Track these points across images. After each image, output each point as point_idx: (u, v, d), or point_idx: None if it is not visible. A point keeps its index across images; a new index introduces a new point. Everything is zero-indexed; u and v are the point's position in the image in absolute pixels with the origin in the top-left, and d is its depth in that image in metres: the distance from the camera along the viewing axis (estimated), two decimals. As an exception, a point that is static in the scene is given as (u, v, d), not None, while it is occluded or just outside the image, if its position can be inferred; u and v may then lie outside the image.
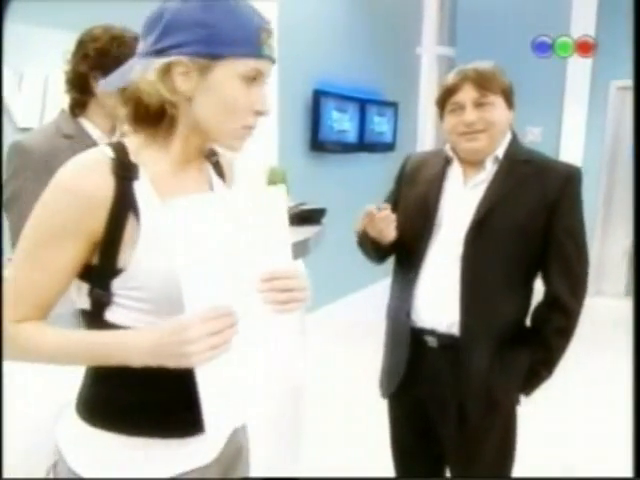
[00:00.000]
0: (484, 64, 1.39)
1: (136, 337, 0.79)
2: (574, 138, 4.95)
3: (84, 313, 0.87)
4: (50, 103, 2.36)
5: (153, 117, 0.85)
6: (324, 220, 2.31)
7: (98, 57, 1.45)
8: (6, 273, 0.88)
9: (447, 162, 1.47)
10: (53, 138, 1.48)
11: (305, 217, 2.12)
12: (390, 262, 1.61)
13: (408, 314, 1.45)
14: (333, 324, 3.75)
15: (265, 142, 3.18)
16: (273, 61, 0.87)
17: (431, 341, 1.43)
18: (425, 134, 5.00)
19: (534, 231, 1.37)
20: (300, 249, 1.81)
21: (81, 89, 1.50)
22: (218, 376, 0.77)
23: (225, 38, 0.80)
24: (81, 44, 1.47)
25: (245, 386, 0.82)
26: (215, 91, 0.82)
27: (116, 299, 0.83)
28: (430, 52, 4.93)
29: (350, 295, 4.43)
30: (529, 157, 1.43)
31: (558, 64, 4.75)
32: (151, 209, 0.83)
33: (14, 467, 1.17)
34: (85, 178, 0.80)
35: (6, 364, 0.97)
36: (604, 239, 5.25)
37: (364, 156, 4.52)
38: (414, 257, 1.44)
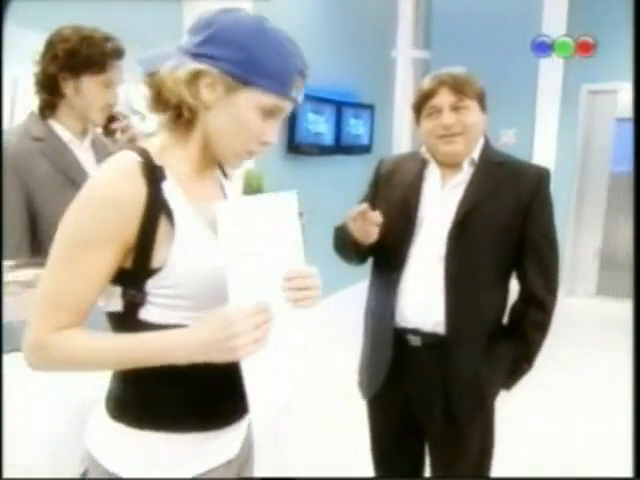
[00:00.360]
0: (458, 70, 1.43)
1: (183, 335, 0.82)
2: (547, 140, 5.03)
3: (114, 315, 0.88)
4: (20, 105, 2.31)
5: (170, 110, 0.88)
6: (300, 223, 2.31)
7: (68, 58, 1.42)
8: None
9: (424, 164, 1.49)
10: (22, 141, 1.45)
11: None
12: (367, 264, 1.61)
13: (392, 314, 1.46)
14: (310, 327, 3.74)
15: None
16: (297, 103, 0.91)
17: (414, 340, 1.45)
18: (401, 136, 5.02)
19: (511, 231, 1.41)
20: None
21: (51, 90, 1.47)
22: (258, 366, 0.83)
23: (260, 69, 0.83)
24: (50, 45, 1.44)
25: (279, 373, 0.89)
26: (233, 112, 0.86)
27: (150, 298, 0.85)
28: (405, 55, 4.95)
29: (328, 297, 4.42)
30: (502, 160, 1.48)
31: (530, 67, 4.83)
32: (182, 209, 0.86)
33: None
34: (120, 185, 0.81)
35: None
36: (576, 240, 5.34)
37: (340, 158, 4.52)
38: (396, 258, 1.46)
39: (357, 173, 3.91)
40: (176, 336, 0.82)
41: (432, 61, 4.84)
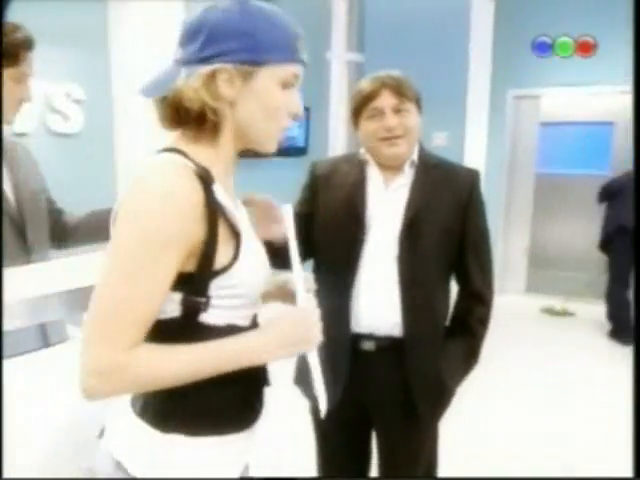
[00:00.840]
0: (395, 72, 1.44)
1: (266, 335, 0.88)
2: (477, 143, 5.17)
3: (168, 321, 0.84)
4: None
5: (193, 120, 0.87)
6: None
7: None
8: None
9: (363, 166, 1.48)
10: None
11: None
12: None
13: (348, 320, 1.43)
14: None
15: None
16: (305, 65, 0.93)
17: (368, 345, 1.44)
18: (336, 138, 5.04)
19: (454, 231, 1.45)
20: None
21: None
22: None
23: (267, 45, 0.85)
24: None
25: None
26: (257, 96, 0.87)
27: (212, 301, 0.85)
28: (340, 58, 4.97)
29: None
30: (436, 161, 1.51)
31: (461, 71, 4.97)
32: (233, 210, 0.88)
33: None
34: (182, 189, 0.80)
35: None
36: (506, 239, 5.54)
37: (276, 160, 4.48)
38: (349, 260, 1.43)
39: (293, 175, 3.89)
40: (259, 337, 0.87)
41: (366, 64, 4.88)
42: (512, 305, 5.12)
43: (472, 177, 1.49)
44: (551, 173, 6.06)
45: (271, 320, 0.89)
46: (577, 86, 4.99)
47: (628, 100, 5.45)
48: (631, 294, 4.34)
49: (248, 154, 3.75)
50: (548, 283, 5.59)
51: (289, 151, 4.65)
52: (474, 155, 5.05)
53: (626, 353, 4.04)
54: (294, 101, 0.92)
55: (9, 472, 1.02)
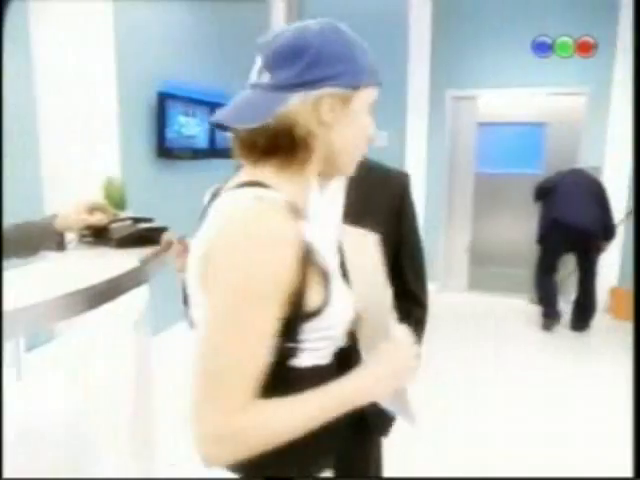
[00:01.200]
0: None
1: (375, 373, 0.86)
2: (418, 143, 5.22)
3: None
4: None
5: (290, 148, 0.83)
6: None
7: None
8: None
9: None
10: None
11: (143, 238, 1.71)
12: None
13: None
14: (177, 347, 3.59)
15: (105, 150, 2.90)
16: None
17: None
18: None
19: (390, 234, 1.42)
20: (140, 274, 1.56)
21: None
22: None
23: (364, 69, 0.86)
24: None
25: None
26: (353, 120, 0.86)
27: (301, 345, 0.81)
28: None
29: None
30: (368, 164, 1.50)
31: (399, 71, 5.01)
32: (322, 248, 0.82)
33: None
34: (283, 226, 0.75)
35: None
36: (447, 238, 5.63)
37: (216, 162, 4.36)
38: None
39: (226, 175, 3.80)
40: (369, 376, 0.85)
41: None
42: (455, 303, 5.21)
43: (404, 180, 1.48)
44: (490, 173, 6.24)
45: (369, 358, 0.89)
46: (511, 87, 5.13)
47: (559, 102, 5.69)
48: (558, 277, 4.67)
49: (185, 156, 3.60)
50: (489, 280, 5.73)
51: (229, 152, 4.54)
52: (415, 155, 5.10)
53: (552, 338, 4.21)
54: (373, 126, 0.91)
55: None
